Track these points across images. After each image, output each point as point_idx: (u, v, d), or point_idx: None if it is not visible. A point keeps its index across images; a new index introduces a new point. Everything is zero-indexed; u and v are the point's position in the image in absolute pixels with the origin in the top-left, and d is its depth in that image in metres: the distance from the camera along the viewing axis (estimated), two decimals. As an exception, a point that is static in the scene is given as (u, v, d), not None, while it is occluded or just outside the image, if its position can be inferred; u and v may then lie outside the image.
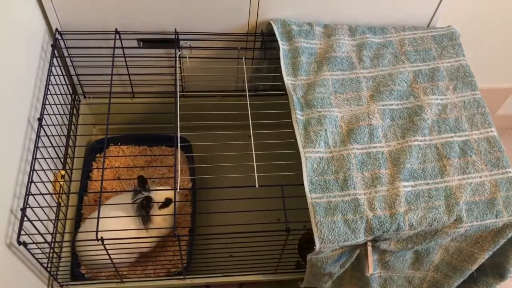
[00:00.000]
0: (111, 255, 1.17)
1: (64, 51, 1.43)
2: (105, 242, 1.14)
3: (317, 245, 1.08)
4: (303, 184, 1.14)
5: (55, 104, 1.33)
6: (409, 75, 1.34)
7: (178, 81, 1.32)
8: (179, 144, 1.19)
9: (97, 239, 1.05)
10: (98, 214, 1.09)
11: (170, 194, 1.36)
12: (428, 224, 1.11)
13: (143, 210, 1.30)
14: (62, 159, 1.37)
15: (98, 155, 1.58)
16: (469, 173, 1.18)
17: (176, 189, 1.13)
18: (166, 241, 1.43)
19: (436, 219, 1.11)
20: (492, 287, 1.29)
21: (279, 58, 1.33)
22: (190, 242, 1.42)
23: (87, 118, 1.59)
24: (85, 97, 1.58)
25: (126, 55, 1.45)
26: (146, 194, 1.30)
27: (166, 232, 1.36)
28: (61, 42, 1.39)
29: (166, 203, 1.33)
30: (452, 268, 1.24)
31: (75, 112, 1.52)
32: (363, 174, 1.17)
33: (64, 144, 1.38)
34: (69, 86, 1.50)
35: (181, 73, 1.53)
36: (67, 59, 1.45)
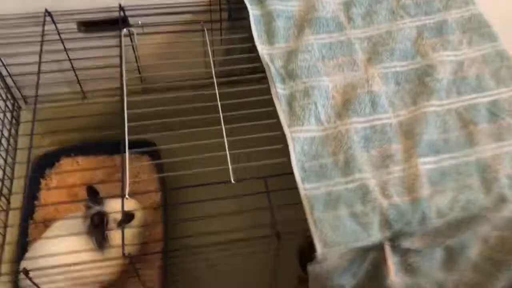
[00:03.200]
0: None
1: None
2: (50, 271, 0.87)
3: (319, 250, 0.81)
4: (292, 173, 0.87)
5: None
6: (411, 32, 1.08)
7: (124, 69, 1.05)
8: (126, 150, 0.92)
9: (19, 271, 0.78)
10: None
11: (131, 206, 1.09)
12: (462, 209, 0.84)
13: (96, 229, 1.02)
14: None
15: (47, 171, 1.31)
16: (505, 140, 0.92)
17: (124, 196, 0.86)
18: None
19: (471, 201, 0.84)
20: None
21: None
22: (163, 262, 1.14)
23: (29, 127, 1.32)
24: (26, 102, 1.32)
25: (66, 47, 1.19)
26: (97, 208, 1.03)
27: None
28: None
29: (126, 219, 1.05)
30: (495, 264, 0.97)
31: (14, 121, 1.26)
32: (369, 152, 0.90)
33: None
34: (3, 89, 1.24)
35: (137, 62, 1.27)
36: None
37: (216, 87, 1.01)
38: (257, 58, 1.05)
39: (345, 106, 0.96)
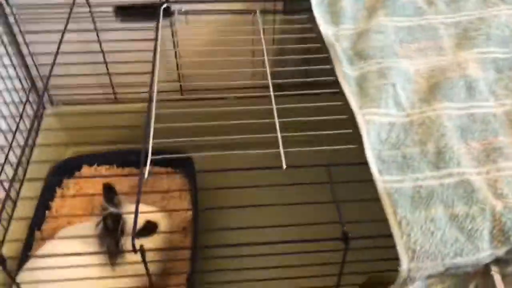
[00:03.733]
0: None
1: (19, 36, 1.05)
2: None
3: (404, 264, 0.57)
4: (363, 163, 0.65)
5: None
6: (509, 19, 0.88)
7: (157, 65, 0.88)
8: (148, 162, 0.73)
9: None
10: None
11: (154, 217, 0.89)
12: None
13: (109, 234, 0.82)
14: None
15: (64, 180, 1.13)
16: None
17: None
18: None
19: None
20: None
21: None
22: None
23: (52, 130, 1.16)
24: (52, 104, 1.18)
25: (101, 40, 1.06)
26: (113, 210, 0.83)
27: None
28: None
29: (148, 228, 0.85)
30: None
31: (36, 121, 1.11)
32: (468, 144, 0.68)
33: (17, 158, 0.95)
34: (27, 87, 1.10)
35: (176, 58, 1.11)
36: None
37: (270, 88, 0.80)
38: (316, 49, 0.86)
39: (433, 90, 0.75)
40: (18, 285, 0.74)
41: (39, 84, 1.13)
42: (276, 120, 0.71)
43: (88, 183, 1.14)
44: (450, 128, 0.68)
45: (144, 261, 0.65)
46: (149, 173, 0.70)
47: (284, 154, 0.67)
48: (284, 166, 0.64)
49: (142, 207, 0.77)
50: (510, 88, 0.76)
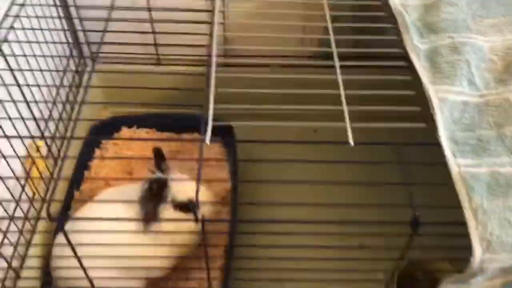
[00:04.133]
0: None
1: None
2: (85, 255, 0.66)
3: (477, 254, 0.53)
4: (436, 144, 0.61)
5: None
6: None
7: (215, 29, 0.83)
8: (209, 130, 0.69)
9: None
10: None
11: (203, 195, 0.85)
12: None
13: (151, 200, 0.79)
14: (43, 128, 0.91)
15: (103, 141, 1.11)
16: None
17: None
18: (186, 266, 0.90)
19: None
20: None
21: None
22: (226, 267, 0.89)
23: (93, 88, 1.13)
24: (93, 60, 1.14)
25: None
26: (160, 176, 0.80)
27: (185, 246, 0.84)
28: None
29: (188, 206, 0.81)
30: None
31: (77, 78, 1.08)
32: (548, 132, 0.63)
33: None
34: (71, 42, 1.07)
35: (223, 25, 1.06)
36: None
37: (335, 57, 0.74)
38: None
39: (509, 70, 0.69)
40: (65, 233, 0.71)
41: (83, 40, 1.10)
42: (342, 92, 0.66)
43: (127, 145, 1.12)
44: (530, 113, 0.63)
45: (203, 232, 0.62)
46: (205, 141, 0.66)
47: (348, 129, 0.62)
48: (352, 143, 0.60)
49: (189, 184, 0.75)
50: None
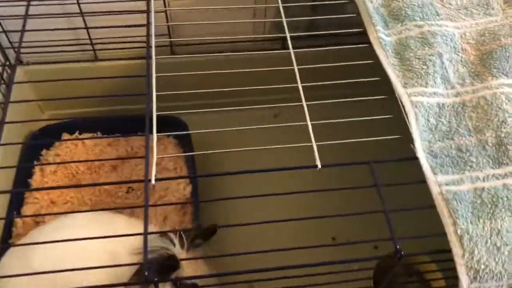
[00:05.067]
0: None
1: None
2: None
3: (464, 284, 0.48)
4: (413, 158, 0.55)
5: None
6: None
7: (152, 16, 0.73)
8: (154, 129, 0.60)
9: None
10: None
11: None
12: None
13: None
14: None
15: (43, 152, 1.00)
16: None
17: (150, 181, 0.54)
18: None
19: None
20: None
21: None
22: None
23: (24, 92, 1.01)
24: (21, 62, 1.01)
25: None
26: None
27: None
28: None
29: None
30: None
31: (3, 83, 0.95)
32: (531, 132, 0.57)
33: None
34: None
35: (165, 14, 0.95)
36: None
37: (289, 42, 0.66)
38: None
39: (484, 61, 0.63)
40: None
41: (5, 42, 0.97)
42: (300, 85, 0.59)
43: (70, 155, 1.01)
44: (511, 113, 0.57)
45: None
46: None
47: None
48: (319, 166, 0.53)
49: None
50: None
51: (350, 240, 0.78)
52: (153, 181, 0.52)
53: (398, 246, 0.48)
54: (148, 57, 0.67)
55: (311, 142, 0.54)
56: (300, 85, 0.60)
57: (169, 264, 0.61)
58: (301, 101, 0.58)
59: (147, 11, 0.75)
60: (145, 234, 0.50)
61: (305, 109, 0.57)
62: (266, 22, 1.01)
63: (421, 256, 0.78)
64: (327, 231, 0.89)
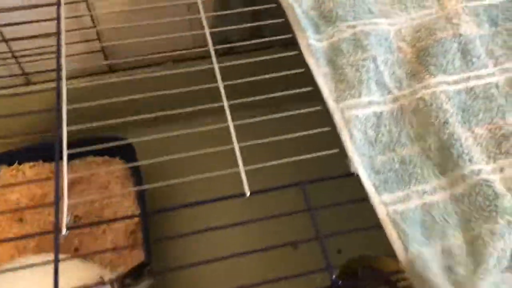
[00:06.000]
0: None
1: None
2: None
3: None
4: (351, 175, 0.52)
5: None
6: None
7: (62, 31, 0.66)
8: (65, 154, 0.55)
9: None
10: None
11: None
12: None
13: None
14: None
15: (-20, 188, 0.94)
16: None
17: (60, 231, 0.49)
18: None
19: None
20: None
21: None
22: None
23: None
24: None
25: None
26: None
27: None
28: None
29: None
30: None
31: None
32: (473, 132, 0.55)
33: None
34: None
35: (95, 27, 0.89)
36: None
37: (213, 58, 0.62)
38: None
39: (421, 59, 0.60)
40: None
41: None
42: (226, 105, 0.55)
43: (10, 187, 0.95)
44: (451, 111, 0.55)
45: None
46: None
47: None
48: (248, 193, 0.49)
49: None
50: (510, 45, 0.62)
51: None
52: (63, 231, 0.48)
53: (334, 276, 0.45)
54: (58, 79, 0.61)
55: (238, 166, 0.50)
56: (225, 103, 0.55)
57: None
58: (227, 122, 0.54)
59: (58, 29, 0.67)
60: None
61: (231, 129, 0.53)
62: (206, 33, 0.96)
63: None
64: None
